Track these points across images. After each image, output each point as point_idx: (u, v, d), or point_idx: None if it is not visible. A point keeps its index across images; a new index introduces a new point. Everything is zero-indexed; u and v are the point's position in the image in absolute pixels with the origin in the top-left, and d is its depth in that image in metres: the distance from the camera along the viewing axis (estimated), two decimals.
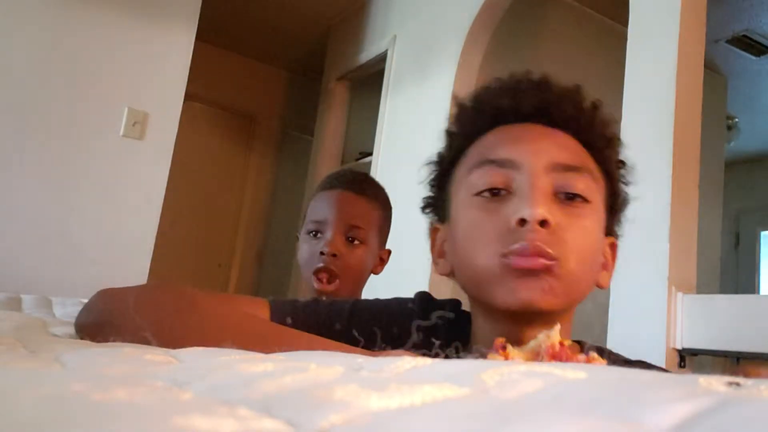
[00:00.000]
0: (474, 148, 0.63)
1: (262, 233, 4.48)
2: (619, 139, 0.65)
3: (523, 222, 0.54)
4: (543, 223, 0.54)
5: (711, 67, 3.55)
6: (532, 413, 0.19)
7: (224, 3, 3.58)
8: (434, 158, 0.69)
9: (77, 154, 2.25)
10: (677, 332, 1.53)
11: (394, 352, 0.54)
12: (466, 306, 0.68)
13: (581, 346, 0.64)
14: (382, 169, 2.98)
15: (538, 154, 0.58)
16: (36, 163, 2.18)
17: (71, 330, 0.66)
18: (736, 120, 4.14)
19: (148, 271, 2.32)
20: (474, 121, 0.64)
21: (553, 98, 0.62)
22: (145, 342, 0.50)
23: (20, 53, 2.19)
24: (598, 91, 0.65)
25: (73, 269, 2.18)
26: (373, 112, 3.19)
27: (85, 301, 0.64)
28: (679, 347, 1.52)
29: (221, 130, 4.38)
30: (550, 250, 0.53)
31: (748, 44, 3.43)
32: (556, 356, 0.47)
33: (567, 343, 0.48)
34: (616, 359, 0.62)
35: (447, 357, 0.55)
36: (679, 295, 1.55)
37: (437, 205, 0.68)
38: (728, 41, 3.40)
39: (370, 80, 3.54)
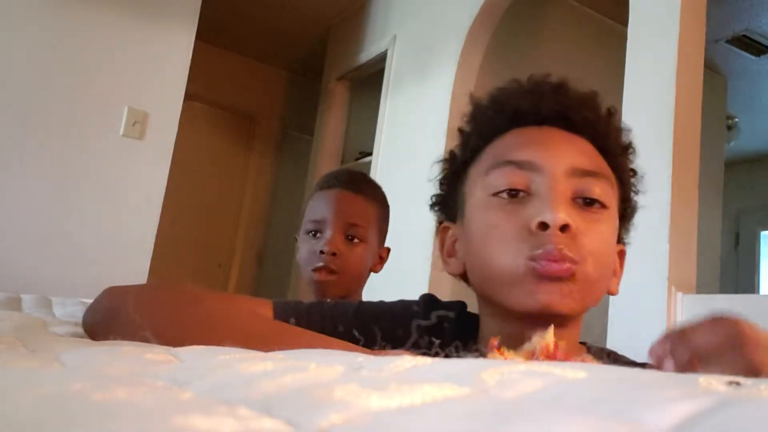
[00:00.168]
0: (491, 148, 0.62)
1: (262, 233, 4.48)
2: (633, 147, 0.66)
3: (544, 226, 0.54)
4: (564, 228, 0.54)
5: (711, 67, 3.55)
6: (532, 413, 0.19)
7: (224, 3, 3.58)
8: (446, 156, 0.69)
9: (77, 154, 2.25)
10: None
11: (393, 351, 0.54)
12: (471, 308, 0.68)
13: (586, 348, 0.65)
14: (382, 169, 2.98)
15: (559, 157, 0.58)
16: (36, 163, 2.18)
17: (71, 329, 0.66)
18: (736, 120, 4.14)
19: (148, 271, 2.32)
20: (492, 121, 0.64)
21: (572, 103, 0.62)
22: (146, 341, 0.50)
23: (20, 53, 2.19)
24: (598, 91, 0.66)
25: (73, 269, 2.18)
26: (373, 112, 3.19)
27: (85, 300, 0.64)
28: None
29: (221, 130, 4.38)
30: (572, 255, 0.53)
31: (748, 44, 3.43)
32: (550, 357, 0.47)
33: (561, 343, 0.48)
34: (626, 363, 0.62)
35: (447, 356, 0.55)
36: (679, 295, 1.55)
37: (447, 203, 0.68)
38: (728, 41, 3.40)
39: (370, 80, 3.54)
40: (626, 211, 0.65)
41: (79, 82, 2.26)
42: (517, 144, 0.60)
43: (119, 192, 2.31)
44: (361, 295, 1.16)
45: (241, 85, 4.40)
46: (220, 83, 4.26)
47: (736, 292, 4.87)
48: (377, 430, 0.18)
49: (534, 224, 0.54)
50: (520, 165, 0.58)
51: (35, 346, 0.46)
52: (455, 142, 0.68)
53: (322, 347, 0.49)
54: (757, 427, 0.16)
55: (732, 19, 3.20)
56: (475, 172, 0.62)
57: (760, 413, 0.17)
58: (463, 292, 0.68)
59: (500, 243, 0.56)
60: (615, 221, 0.61)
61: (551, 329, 0.48)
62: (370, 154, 3.17)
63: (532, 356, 0.47)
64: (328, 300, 0.70)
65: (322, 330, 0.60)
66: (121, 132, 2.31)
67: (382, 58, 3.25)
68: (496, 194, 0.58)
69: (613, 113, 0.65)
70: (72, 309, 1.01)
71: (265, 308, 0.65)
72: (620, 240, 0.65)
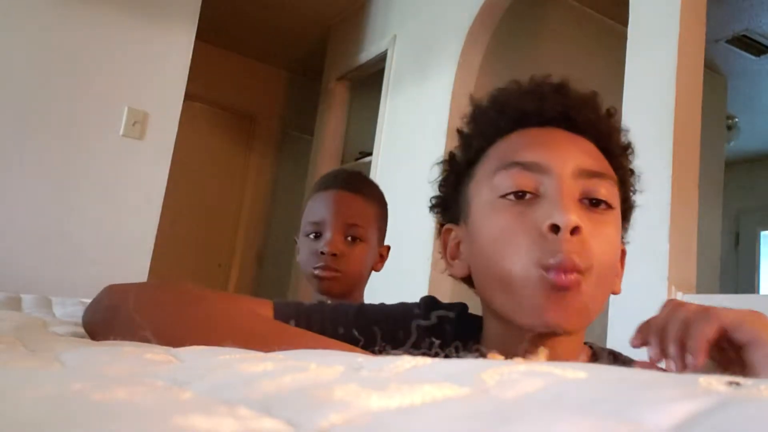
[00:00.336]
0: (495, 150, 0.62)
1: (262, 233, 4.48)
2: (632, 147, 0.66)
3: (554, 228, 0.54)
4: (574, 230, 0.54)
5: (711, 67, 3.55)
6: (532, 413, 0.19)
7: (224, 3, 3.58)
8: (446, 158, 0.68)
9: (77, 154, 2.25)
10: None
11: (393, 353, 0.54)
12: (472, 310, 0.68)
13: (590, 349, 0.65)
14: (382, 169, 2.98)
15: (565, 159, 0.58)
16: (36, 163, 2.18)
17: (71, 329, 0.66)
18: (736, 120, 4.14)
19: (148, 270, 2.32)
20: (494, 122, 0.63)
21: (575, 103, 0.62)
22: (146, 341, 0.50)
23: (20, 53, 2.19)
24: (598, 92, 0.66)
25: (73, 269, 2.18)
26: (373, 112, 3.20)
27: (85, 300, 0.64)
28: None
29: (221, 130, 4.38)
30: (581, 264, 0.53)
31: (748, 44, 3.43)
32: None
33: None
34: (627, 362, 0.63)
35: (447, 357, 0.55)
36: (679, 294, 1.55)
37: (449, 205, 0.67)
38: (728, 41, 3.40)
39: (370, 80, 3.54)
40: (626, 211, 0.65)
41: (79, 82, 2.26)
42: (522, 145, 0.60)
43: (119, 192, 2.31)
44: (362, 295, 1.16)
45: (241, 85, 4.40)
46: (220, 83, 4.26)
47: (736, 292, 4.87)
48: (377, 430, 0.18)
49: (545, 227, 0.54)
50: (527, 166, 0.58)
51: (35, 346, 0.46)
52: (455, 142, 0.67)
53: (322, 348, 0.49)
54: (757, 427, 0.16)
55: (732, 19, 3.20)
56: (480, 173, 0.62)
57: (760, 413, 0.17)
58: (463, 293, 0.68)
59: (510, 247, 0.55)
60: (620, 222, 0.61)
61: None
62: (370, 154, 3.17)
63: None
64: (329, 302, 0.70)
65: (322, 332, 0.60)
66: (121, 132, 2.31)
67: (382, 58, 3.25)
68: (503, 196, 0.57)
69: (613, 113, 0.65)
70: (72, 309, 1.01)
71: (265, 309, 0.65)
72: (621, 240, 0.65)
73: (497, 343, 0.59)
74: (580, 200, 0.57)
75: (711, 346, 0.49)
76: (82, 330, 0.63)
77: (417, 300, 0.69)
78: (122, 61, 2.34)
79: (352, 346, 0.55)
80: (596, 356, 0.65)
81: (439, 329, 0.65)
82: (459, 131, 0.67)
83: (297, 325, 0.62)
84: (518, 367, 0.25)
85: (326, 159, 3.68)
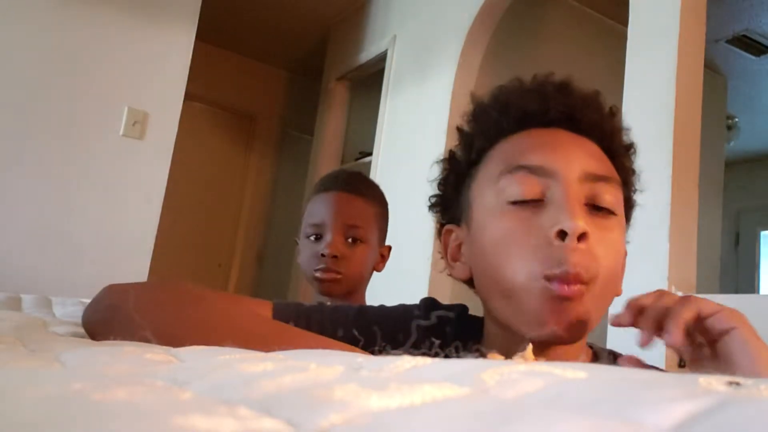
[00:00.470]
0: (498, 151, 0.61)
1: (262, 233, 4.48)
2: (634, 147, 0.65)
3: (562, 234, 0.53)
4: (581, 236, 0.53)
5: (711, 67, 3.55)
6: (532, 413, 0.19)
7: (224, 3, 3.58)
8: (446, 157, 0.67)
9: (77, 154, 2.25)
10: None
11: (393, 353, 0.54)
12: (472, 311, 0.68)
13: (591, 349, 0.65)
14: (382, 169, 2.98)
15: (571, 162, 0.57)
16: (36, 163, 2.18)
17: (71, 329, 0.66)
18: (736, 120, 4.14)
19: (148, 271, 2.32)
20: (497, 122, 0.62)
21: (579, 104, 0.61)
22: (146, 341, 0.50)
23: (20, 53, 2.19)
24: (600, 91, 0.66)
25: (73, 269, 2.18)
26: (373, 112, 3.20)
27: (85, 300, 0.64)
28: None
29: (221, 130, 4.38)
30: (585, 276, 0.53)
31: (748, 44, 3.43)
32: None
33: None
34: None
35: (447, 357, 0.55)
36: (679, 294, 1.55)
37: (449, 205, 0.66)
38: (728, 41, 3.40)
39: (370, 80, 3.54)
40: (627, 211, 0.64)
41: (79, 82, 2.26)
42: (528, 147, 0.59)
43: (119, 192, 2.31)
44: (364, 295, 1.16)
45: (241, 85, 4.40)
46: (220, 83, 4.26)
47: (736, 292, 4.87)
48: (377, 430, 0.18)
49: (552, 233, 0.53)
50: (532, 170, 0.56)
51: (35, 346, 0.46)
52: (455, 141, 0.66)
53: (322, 348, 0.49)
54: (757, 427, 0.16)
55: (732, 19, 3.20)
56: (482, 175, 0.61)
57: (760, 413, 0.17)
58: (464, 294, 0.68)
59: (513, 254, 0.55)
60: (624, 226, 0.60)
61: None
62: (370, 154, 3.17)
63: None
64: (329, 303, 0.70)
65: (321, 333, 0.60)
66: (121, 132, 2.31)
67: (382, 58, 3.25)
68: (509, 203, 0.56)
69: (616, 113, 0.64)
70: (72, 309, 1.01)
71: (265, 309, 0.65)
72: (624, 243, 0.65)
73: (497, 344, 0.58)
74: (586, 204, 0.56)
75: (686, 336, 0.50)
76: (82, 330, 0.63)
77: (417, 301, 0.69)
78: (122, 61, 2.34)
79: (352, 347, 0.55)
80: (597, 356, 0.65)
81: (439, 330, 0.64)
82: (459, 129, 0.66)
83: (297, 325, 0.61)
84: (518, 367, 0.25)
85: (326, 159, 3.68)
